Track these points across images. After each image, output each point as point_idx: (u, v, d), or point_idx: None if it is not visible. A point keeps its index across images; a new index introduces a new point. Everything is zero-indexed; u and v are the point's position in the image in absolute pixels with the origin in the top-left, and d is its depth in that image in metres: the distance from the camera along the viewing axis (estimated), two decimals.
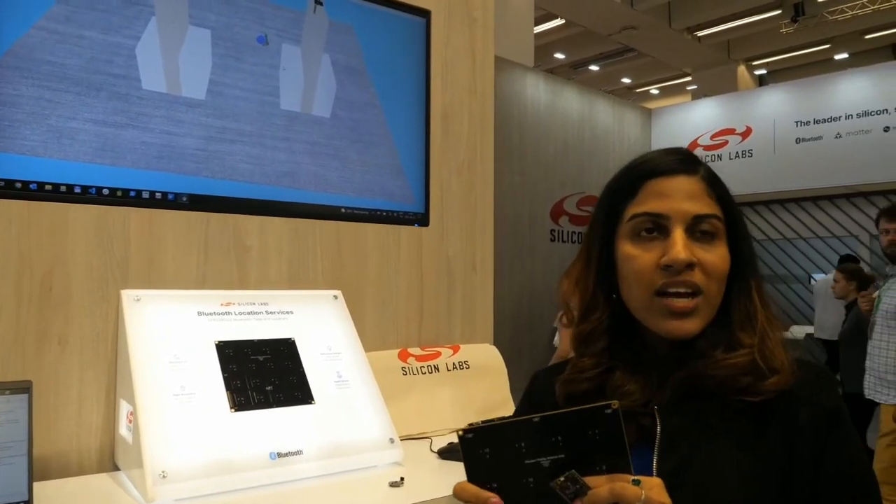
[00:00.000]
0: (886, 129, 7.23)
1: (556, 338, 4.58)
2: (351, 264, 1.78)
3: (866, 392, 3.36)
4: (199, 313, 1.42)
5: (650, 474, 0.77)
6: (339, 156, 1.75)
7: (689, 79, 13.87)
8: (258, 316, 1.49)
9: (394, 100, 1.86)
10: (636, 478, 0.63)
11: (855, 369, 3.74)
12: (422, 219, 1.92)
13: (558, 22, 11.09)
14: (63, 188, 1.37)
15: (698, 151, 8.59)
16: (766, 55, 12.98)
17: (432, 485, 1.30)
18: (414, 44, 1.91)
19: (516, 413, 1.06)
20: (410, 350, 1.84)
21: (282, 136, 1.66)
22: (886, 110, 7.25)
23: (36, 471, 1.15)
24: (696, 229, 0.82)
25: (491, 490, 0.65)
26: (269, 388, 1.37)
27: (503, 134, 6.02)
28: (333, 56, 1.75)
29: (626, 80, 15.03)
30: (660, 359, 0.85)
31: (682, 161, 0.86)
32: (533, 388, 1.01)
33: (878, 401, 3.31)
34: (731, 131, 8.35)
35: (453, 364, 1.88)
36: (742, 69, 13.08)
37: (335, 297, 1.65)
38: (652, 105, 10.62)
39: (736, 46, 12.60)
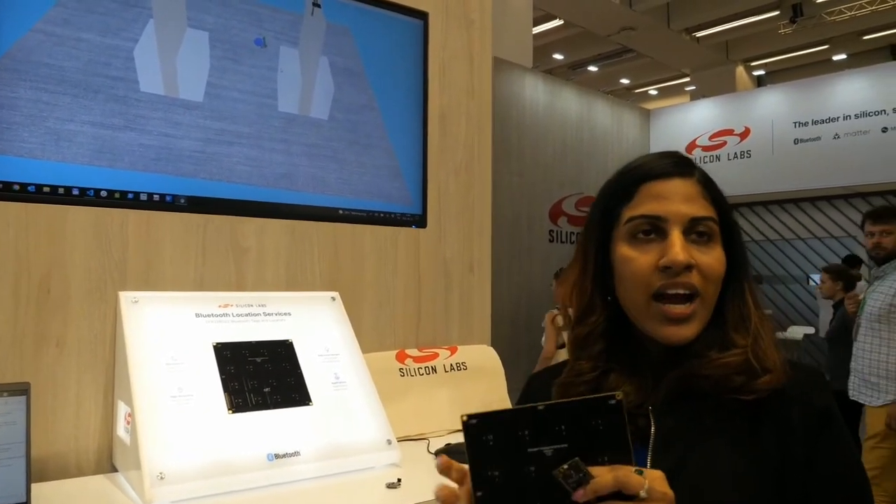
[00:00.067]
0: (884, 129, 7.23)
1: (543, 338, 4.59)
2: (348, 266, 1.78)
3: (851, 393, 3.38)
4: (197, 315, 1.42)
5: None
6: (336, 157, 1.76)
7: (687, 79, 13.89)
8: (256, 317, 1.49)
9: (391, 101, 1.87)
10: (639, 468, 0.64)
11: (840, 368, 3.77)
12: (419, 220, 1.92)
13: (557, 23, 11.10)
14: (61, 190, 1.38)
15: (697, 152, 8.65)
16: (765, 56, 13.01)
17: (429, 486, 1.29)
18: (411, 46, 1.92)
19: None
20: (408, 351, 1.85)
21: (279, 137, 1.66)
22: (884, 111, 7.26)
23: (34, 472, 1.16)
24: (693, 231, 0.82)
25: (492, 478, 0.64)
26: (266, 389, 1.37)
27: (501, 135, 6.03)
28: (331, 58, 1.76)
29: (624, 81, 15.05)
30: (655, 360, 0.85)
31: (678, 164, 0.86)
32: (529, 391, 1.02)
33: (862, 402, 3.33)
34: (729, 132, 8.35)
35: (451, 365, 1.89)
36: (740, 70, 13.10)
37: (333, 298, 1.65)
38: (650, 106, 10.64)
39: (734, 47, 12.62)
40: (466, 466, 0.68)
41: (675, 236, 0.81)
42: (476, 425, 0.65)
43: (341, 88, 1.77)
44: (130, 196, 1.46)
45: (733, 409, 0.80)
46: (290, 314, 1.54)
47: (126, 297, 1.39)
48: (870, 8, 10.51)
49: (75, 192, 1.39)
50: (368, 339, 1.76)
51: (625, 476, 0.62)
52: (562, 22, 10.96)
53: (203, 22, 1.56)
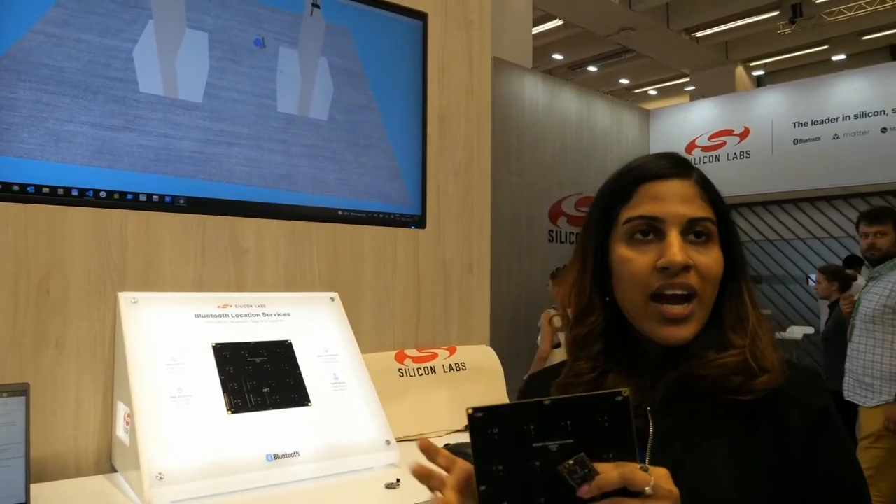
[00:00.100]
0: (884, 129, 7.24)
1: (539, 337, 4.60)
2: (348, 266, 1.78)
3: (846, 394, 3.39)
4: (196, 315, 1.42)
5: None
6: (336, 158, 1.76)
7: (687, 80, 13.90)
8: (255, 318, 1.49)
9: (391, 102, 1.87)
10: (644, 466, 0.64)
11: (835, 368, 3.79)
12: (418, 221, 1.92)
13: (556, 23, 11.11)
14: (60, 191, 1.38)
15: (696, 152, 8.65)
16: (764, 56, 13.02)
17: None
18: (411, 46, 1.92)
19: None
20: (407, 352, 1.85)
21: (279, 138, 1.66)
22: (884, 111, 7.27)
23: (33, 473, 1.16)
24: (691, 232, 0.83)
25: (496, 472, 0.64)
26: (265, 390, 1.37)
27: (501, 135, 6.03)
28: (330, 59, 1.76)
29: (624, 81, 15.06)
30: (653, 361, 0.86)
31: (676, 165, 0.87)
32: (528, 391, 1.02)
33: (856, 402, 3.34)
34: (729, 132, 8.36)
35: (450, 366, 1.89)
36: (740, 70, 13.11)
37: (332, 299, 1.65)
38: (650, 106, 10.65)
39: (734, 47, 12.63)
40: (453, 455, 0.68)
41: (673, 237, 0.81)
42: (482, 418, 0.65)
43: (340, 89, 1.77)
44: (130, 197, 1.46)
45: (731, 409, 0.80)
46: (289, 315, 1.54)
47: (125, 298, 1.39)
48: (869, 8, 10.52)
49: (75, 192, 1.39)
50: (367, 340, 1.76)
51: (630, 473, 0.62)
52: (561, 22, 10.97)
53: (202, 23, 1.56)
